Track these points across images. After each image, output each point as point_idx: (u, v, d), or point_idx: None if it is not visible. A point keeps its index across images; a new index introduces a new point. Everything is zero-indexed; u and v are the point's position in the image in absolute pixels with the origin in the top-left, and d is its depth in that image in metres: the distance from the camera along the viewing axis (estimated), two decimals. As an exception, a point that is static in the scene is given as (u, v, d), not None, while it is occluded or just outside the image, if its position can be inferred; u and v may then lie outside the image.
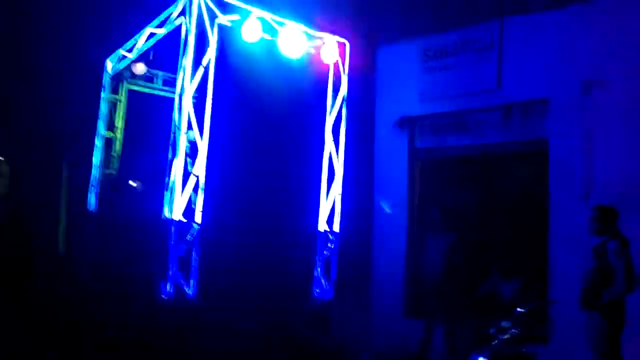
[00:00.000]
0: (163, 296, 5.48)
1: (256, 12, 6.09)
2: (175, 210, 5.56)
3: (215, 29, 5.86)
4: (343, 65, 6.91)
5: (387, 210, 7.70)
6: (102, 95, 7.66)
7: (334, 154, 6.82)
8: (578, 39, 6.31)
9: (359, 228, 7.72)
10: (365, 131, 7.98)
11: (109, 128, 7.75)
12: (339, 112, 6.88)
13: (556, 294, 6.00)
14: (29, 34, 6.99)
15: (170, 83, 7.70)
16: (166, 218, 5.60)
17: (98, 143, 7.61)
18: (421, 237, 7.29)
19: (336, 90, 6.89)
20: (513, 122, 7.02)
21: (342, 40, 6.90)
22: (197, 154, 5.76)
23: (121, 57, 7.44)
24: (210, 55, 5.82)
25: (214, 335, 5.60)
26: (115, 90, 7.81)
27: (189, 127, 5.67)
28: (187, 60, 5.70)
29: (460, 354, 5.79)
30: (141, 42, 6.90)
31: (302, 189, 6.73)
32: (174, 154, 5.64)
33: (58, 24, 6.99)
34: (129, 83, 7.82)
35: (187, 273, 5.60)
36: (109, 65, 7.66)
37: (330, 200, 6.72)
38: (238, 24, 5.99)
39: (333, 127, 6.87)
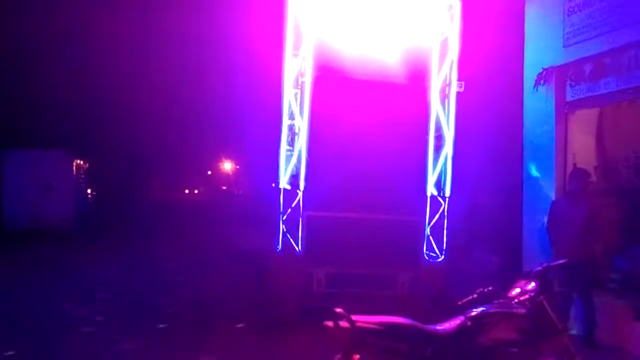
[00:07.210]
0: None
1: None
2: (282, 180, 6.68)
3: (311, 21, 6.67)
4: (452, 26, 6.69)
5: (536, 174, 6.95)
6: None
7: (442, 118, 6.69)
8: None
9: (507, 197, 7.25)
10: (513, 90, 7.35)
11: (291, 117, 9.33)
12: (449, 76, 6.71)
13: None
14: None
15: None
16: (277, 187, 6.78)
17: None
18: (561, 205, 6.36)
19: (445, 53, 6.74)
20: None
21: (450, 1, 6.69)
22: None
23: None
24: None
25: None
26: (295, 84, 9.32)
27: (291, 113, 6.70)
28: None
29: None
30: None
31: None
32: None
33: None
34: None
35: (295, 233, 6.61)
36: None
37: (439, 165, 6.66)
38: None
39: (443, 90, 6.75)
